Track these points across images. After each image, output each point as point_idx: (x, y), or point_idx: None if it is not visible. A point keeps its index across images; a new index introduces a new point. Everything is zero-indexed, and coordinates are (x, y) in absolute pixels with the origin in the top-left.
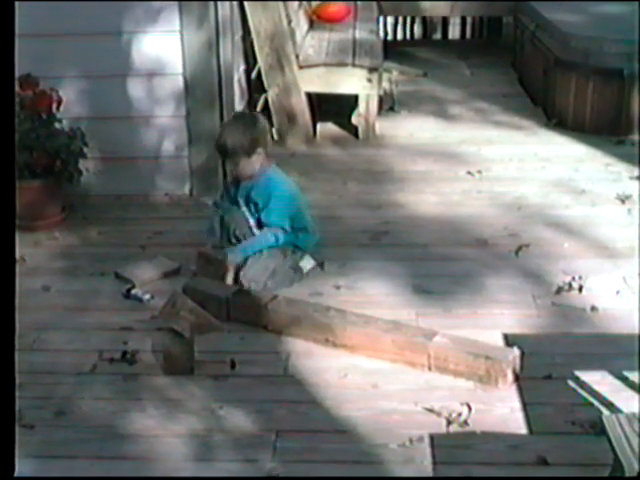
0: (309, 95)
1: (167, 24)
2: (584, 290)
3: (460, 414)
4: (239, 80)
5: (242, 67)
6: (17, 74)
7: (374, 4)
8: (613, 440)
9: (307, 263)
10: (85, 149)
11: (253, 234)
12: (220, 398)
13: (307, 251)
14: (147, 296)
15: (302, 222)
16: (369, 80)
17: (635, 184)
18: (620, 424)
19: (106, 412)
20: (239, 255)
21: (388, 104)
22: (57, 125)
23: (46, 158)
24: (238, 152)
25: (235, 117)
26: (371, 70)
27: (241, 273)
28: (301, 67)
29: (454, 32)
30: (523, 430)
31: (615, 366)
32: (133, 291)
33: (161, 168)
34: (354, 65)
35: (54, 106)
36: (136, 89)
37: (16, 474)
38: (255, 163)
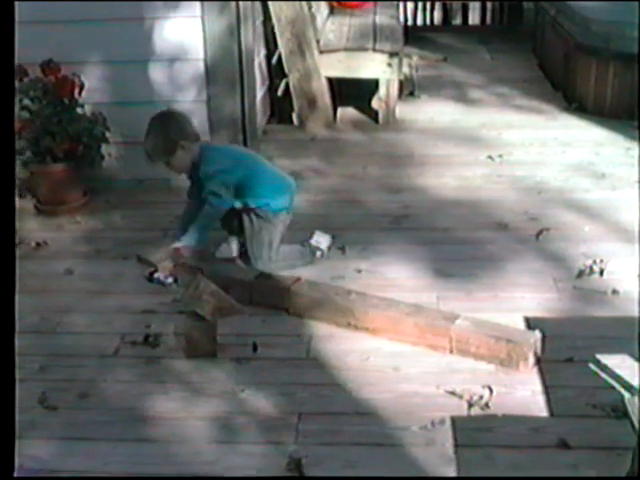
0: (329, 80)
1: (189, 9)
2: (605, 273)
3: (481, 397)
4: (260, 65)
5: (263, 52)
6: (40, 60)
7: None
8: (635, 422)
9: (319, 237)
10: (107, 134)
11: (242, 217)
12: (242, 381)
13: (291, 209)
14: (169, 280)
15: (263, 184)
16: (389, 65)
17: None
18: None
19: (129, 395)
20: (186, 241)
21: (408, 89)
22: (79, 110)
23: (68, 143)
24: (161, 155)
25: (150, 121)
26: (392, 55)
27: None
28: (322, 52)
29: (474, 17)
30: (544, 413)
31: (636, 349)
32: (156, 275)
33: None
34: (375, 50)
35: (76, 91)
36: (157, 74)
37: (39, 455)
38: (185, 155)
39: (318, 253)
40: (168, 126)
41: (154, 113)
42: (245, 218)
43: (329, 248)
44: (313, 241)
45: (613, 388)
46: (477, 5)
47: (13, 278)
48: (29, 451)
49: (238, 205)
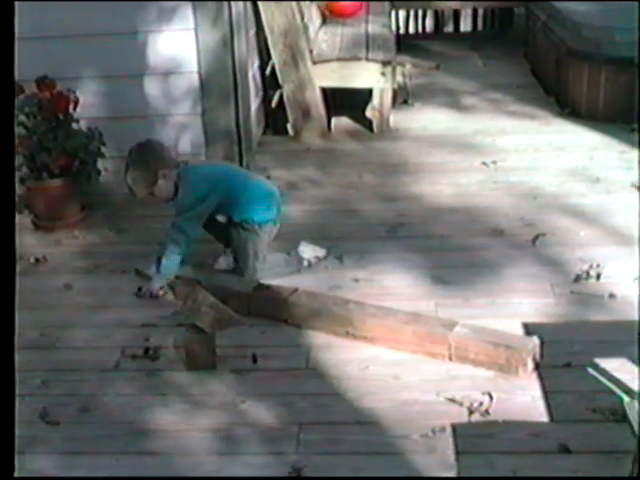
0: (323, 90)
1: (182, 22)
2: (602, 278)
3: (481, 403)
4: (254, 77)
5: (256, 64)
6: (35, 76)
7: None
8: (634, 426)
9: (306, 248)
10: (103, 149)
11: (229, 230)
12: (243, 392)
13: (277, 219)
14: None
15: (246, 200)
16: (383, 74)
17: None
18: None
19: (130, 408)
20: (160, 279)
21: (402, 97)
22: (75, 125)
23: (64, 158)
24: (143, 187)
25: (128, 155)
26: (384, 64)
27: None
28: (315, 62)
29: (466, 24)
30: (544, 418)
31: (634, 353)
32: (143, 289)
33: None
34: (368, 59)
35: (71, 107)
36: (152, 88)
37: (41, 471)
38: (167, 183)
39: (305, 262)
40: (146, 157)
41: (148, 128)
42: (232, 230)
43: (319, 259)
44: (298, 250)
45: (612, 392)
46: (468, 12)
47: (13, 294)
48: (31, 466)
49: (223, 219)
